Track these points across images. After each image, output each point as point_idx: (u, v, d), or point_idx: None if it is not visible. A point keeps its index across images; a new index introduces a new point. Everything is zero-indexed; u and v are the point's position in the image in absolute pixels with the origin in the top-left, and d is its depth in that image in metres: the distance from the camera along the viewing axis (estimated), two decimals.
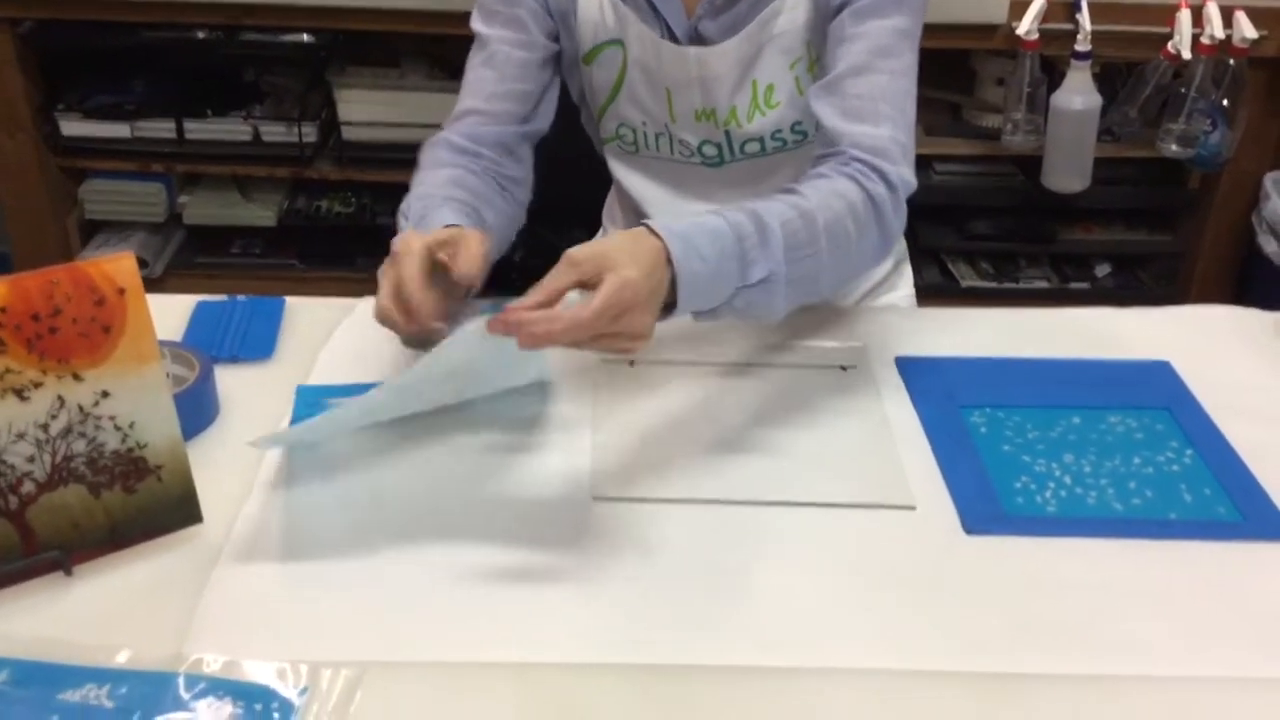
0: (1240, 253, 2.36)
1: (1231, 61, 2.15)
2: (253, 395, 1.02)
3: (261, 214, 2.41)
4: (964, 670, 0.80)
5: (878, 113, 1.05)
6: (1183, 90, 2.18)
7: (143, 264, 2.38)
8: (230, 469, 0.94)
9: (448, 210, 1.02)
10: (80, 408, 0.81)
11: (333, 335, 1.10)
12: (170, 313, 1.12)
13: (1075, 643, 0.82)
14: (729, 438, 1.01)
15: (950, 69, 2.32)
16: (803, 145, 1.19)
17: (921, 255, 2.47)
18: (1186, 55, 2.12)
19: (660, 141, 1.22)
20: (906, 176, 1.05)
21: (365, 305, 1.16)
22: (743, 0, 1.14)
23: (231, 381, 1.03)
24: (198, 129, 2.30)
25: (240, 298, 1.15)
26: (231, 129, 2.31)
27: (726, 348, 1.12)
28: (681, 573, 0.87)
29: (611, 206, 1.40)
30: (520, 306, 0.81)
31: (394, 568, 0.86)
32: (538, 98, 1.19)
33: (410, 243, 0.92)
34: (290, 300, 1.16)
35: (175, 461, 0.86)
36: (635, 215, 1.30)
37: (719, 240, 0.90)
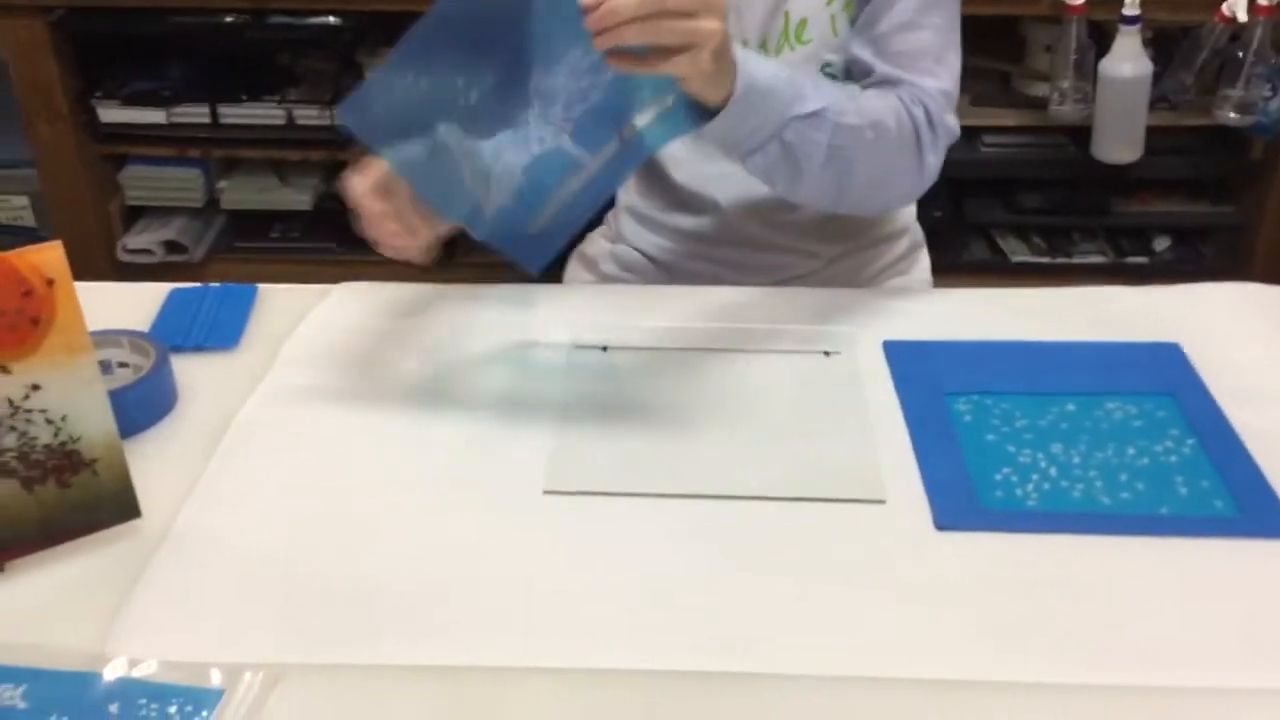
0: None
1: None
2: (213, 385, 1.01)
3: (298, 198, 2.42)
4: (925, 678, 0.75)
5: (922, 68, 1.08)
6: (1240, 54, 2.07)
7: (182, 249, 2.41)
8: (180, 462, 0.92)
9: None
10: (9, 401, 0.80)
11: (300, 324, 1.08)
12: (143, 301, 1.12)
13: (1046, 649, 0.77)
14: (698, 428, 0.97)
15: (999, 36, 2.23)
16: None
17: (969, 230, 2.40)
18: (1243, 17, 2.01)
19: None
20: (949, 123, 1.09)
21: (338, 292, 1.14)
22: None
23: (193, 371, 1.02)
24: (232, 114, 2.31)
25: (213, 285, 1.13)
26: (265, 113, 2.32)
27: (705, 333, 1.08)
28: (631, 572, 0.83)
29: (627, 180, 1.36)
30: None
31: (334, 565, 0.83)
32: None
33: (350, 184, 0.98)
34: (264, 287, 1.14)
35: (111, 455, 0.84)
36: (656, 179, 1.26)
37: (774, 65, 0.95)
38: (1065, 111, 2.17)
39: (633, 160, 0.97)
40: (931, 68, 1.09)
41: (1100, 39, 2.12)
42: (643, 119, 0.92)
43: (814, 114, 0.98)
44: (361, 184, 0.99)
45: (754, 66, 0.94)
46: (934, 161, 1.09)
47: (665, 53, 0.86)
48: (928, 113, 1.07)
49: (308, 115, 2.31)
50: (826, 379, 1.03)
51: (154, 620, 0.79)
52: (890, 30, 1.08)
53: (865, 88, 1.09)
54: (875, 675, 0.75)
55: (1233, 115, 2.12)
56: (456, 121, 0.88)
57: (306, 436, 0.96)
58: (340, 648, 0.77)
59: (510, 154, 0.93)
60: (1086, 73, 2.12)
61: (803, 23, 1.12)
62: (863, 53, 1.10)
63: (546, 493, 0.90)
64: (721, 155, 1.20)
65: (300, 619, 0.79)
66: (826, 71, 1.14)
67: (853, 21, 1.12)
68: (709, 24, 0.85)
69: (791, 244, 1.24)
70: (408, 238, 1.00)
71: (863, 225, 1.26)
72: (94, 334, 0.84)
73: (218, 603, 0.80)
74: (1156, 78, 2.09)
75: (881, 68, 1.09)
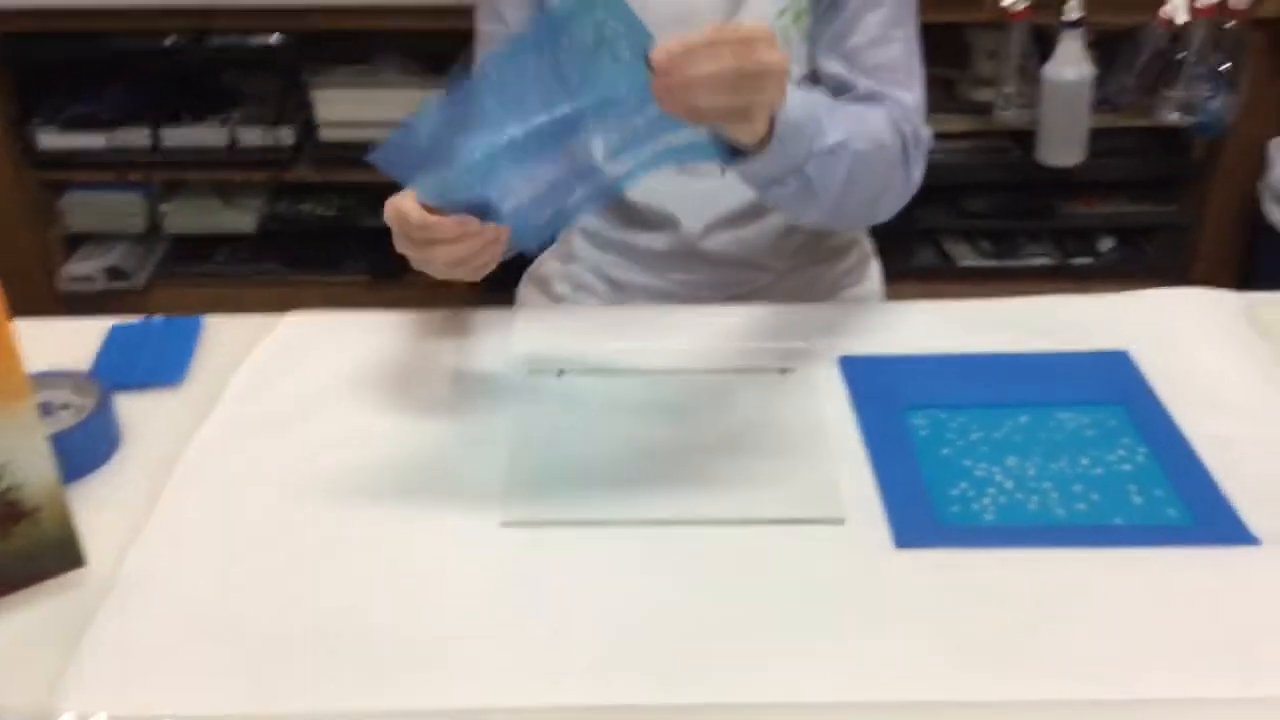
0: (1247, 222, 2.28)
1: (1231, 24, 2.06)
2: (158, 424, 0.99)
3: (243, 220, 2.38)
4: (890, 700, 0.75)
5: (898, 81, 1.11)
6: (1180, 56, 2.10)
7: (125, 275, 2.37)
8: (126, 506, 0.90)
9: None
10: None
11: (247, 357, 1.06)
12: (84, 338, 1.09)
13: (1007, 665, 0.77)
14: (655, 452, 0.96)
15: (944, 43, 2.23)
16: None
17: (917, 236, 2.41)
18: (1182, 19, 2.03)
19: None
20: (926, 134, 1.11)
21: (287, 322, 1.12)
22: None
23: (138, 410, 0.99)
24: (174, 136, 2.28)
25: (156, 318, 1.11)
26: (208, 135, 2.29)
27: (660, 354, 1.07)
28: (592, 604, 0.82)
29: None
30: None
31: (288, 609, 0.82)
32: None
33: (393, 206, 0.92)
34: (210, 319, 1.12)
35: (53, 502, 0.82)
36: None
37: (798, 96, 0.93)
38: (1009, 116, 2.18)
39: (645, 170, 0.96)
40: (905, 80, 1.11)
41: (1043, 43, 2.13)
42: (675, 139, 0.91)
43: (834, 146, 0.98)
44: (409, 199, 0.92)
45: (793, 99, 0.92)
46: (918, 175, 1.11)
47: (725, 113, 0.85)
48: (913, 127, 1.09)
49: (251, 136, 2.28)
50: (783, 397, 1.03)
51: (102, 673, 0.77)
52: (862, 45, 1.10)
53: (849, 103, 1.10)
54: (839, 700, 0.75)
55: (1174, 116, 2.14)
56: (493, 154, 0.86)
57: (256, 475, 0.94)
58: (296, 697, 0.75)
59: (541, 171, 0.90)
60: (1030, 77, 2.13)
61: None
62: (836, 68, 1.12)
63: (504, 525, 0.89)
64: (678, 171, 1.20)
65: (254, 667, 0.77)
66: None
67: (806, 35, 1.13)
68: (772, 93, 0.85)
69: (746, 259, 1.24)
70: (468, 243, 0.92)
71: (816, 238, 1.26)
72: (33, 375, 0.81)
73: (168, 652, 0.79)
74: (1099, 80, 2.11)
75: (863, 83, 1.10)
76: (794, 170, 0.96)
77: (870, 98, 1.10)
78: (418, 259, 0.94)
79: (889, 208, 1.12)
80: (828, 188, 1.00)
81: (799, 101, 0.94)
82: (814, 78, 1.16)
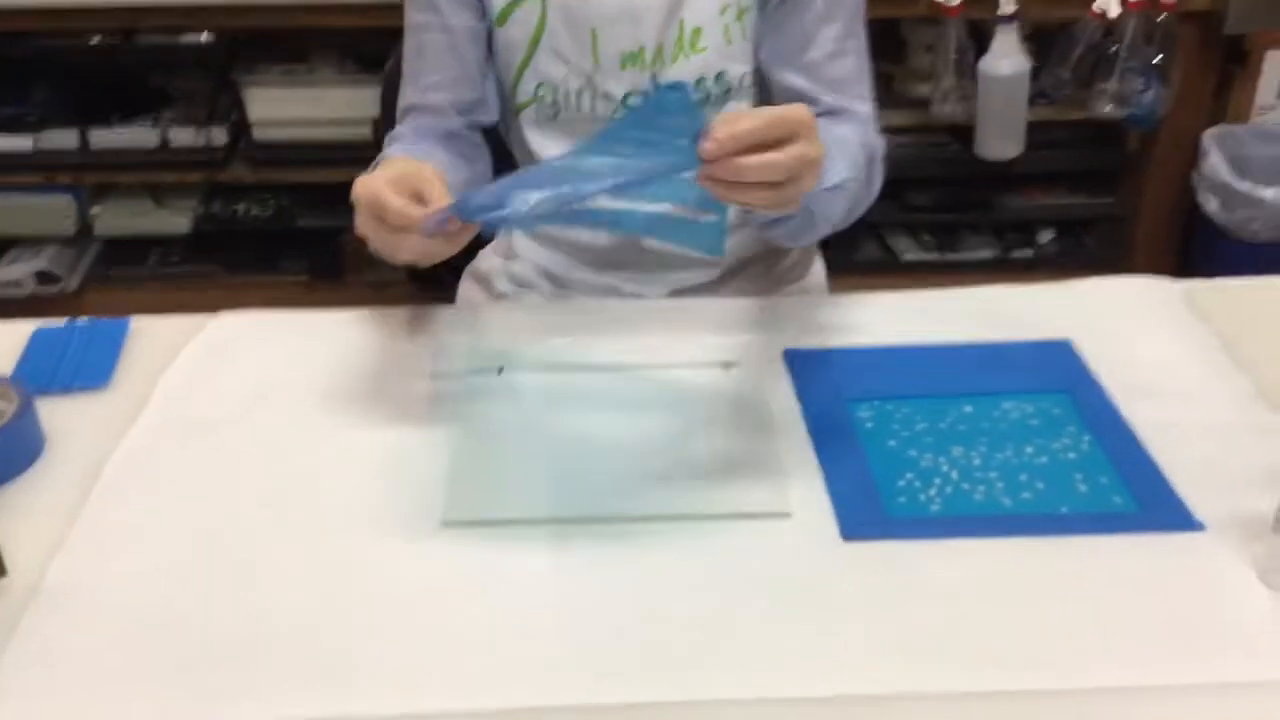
0: (1183, 212, 2.31)
1: (1162, 17, 2.09)
2: (83, 429, 0.95)
3: (176, 221, 2.34)
4: (840, 694, 0.74)
5: (855, 93, 1.13)
6: (1114, 49, 2.12)
7: (55, 279, 2.31)
8: (49, 514, 0.87)
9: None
10: None
11: (175, 358, 1.03)
12: (6, 342, 1.05)
13: (954, 657, 0.76)
14: (598, 449, 0.95)
15: (881, 38, 2.23)
16: (726, 102, 1.16)
17: (860, 230, 2.40)
18: (1114, 13, 2.06)
19: (583, 99, 1.15)
20: (880, 144, 1.13)
21: (215, 323, 1.09)
22: None
23: (61, 415, 0.96)
24: (103, 137, 2.23)
25: (80, 321, 1.07)
26: (138, 136, 2.24)
27: (600, 351, 1.06)
28: (536, 603, 0.80)
29: None
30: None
31: (221, 616, 0.79)
32: (473, 82, 1.16)
33: (370, 184, 0.88)
34: (136, 320, 1.08)
35: None
36: None
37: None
38: (947, 110, 2.19)
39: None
40: (862, 91, 1.14)
41: (979, 38, 2.15)
42: (683, 211, 0.92)
43: (837, 185, 1.00)
44: (384, 181, 0.90)
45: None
46: (879, 185, 1.13)
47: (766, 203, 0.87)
48: (873, 140, 1.11)
49: (183, 136, 2.23)
50: (727, 392, 1.01)
51: (25, 687, 0.74)
52: (820, 59, 1.12)
53: (817, 115, 1.09)
54: (788, 695, 0.74)
55: (1109, 109, 2.16)
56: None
57: (186, 479, 0.91)
58: (230, 706, 0.73)
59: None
60: (967, 71, 2.15)
61: (696, 31, 1.12)
62: (798, 82, 1.12)
63: (445, 524, 0.87)
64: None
65: (186, 677, 0.75)
66: (720, 80, 1.14)
67: (746, 33, 1.13)
68: (810, 181, 0.86)
69: (689, 255, 1.23)
70: (443, 237, 0.90)
71: (758, 236, 1.25)
72: None
73: (95, 664, 0.76)
74: (1035, 74, 2.13)
75: (825, 98, 1.11)
76: (799, 209, 0.95)
77: (832, 113, 1.11)
78: (383, 243, 0.90)
79: (858, 215, 1.14)
80: (829, 219, 1.04)
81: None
82: (757, 76, 1.15)
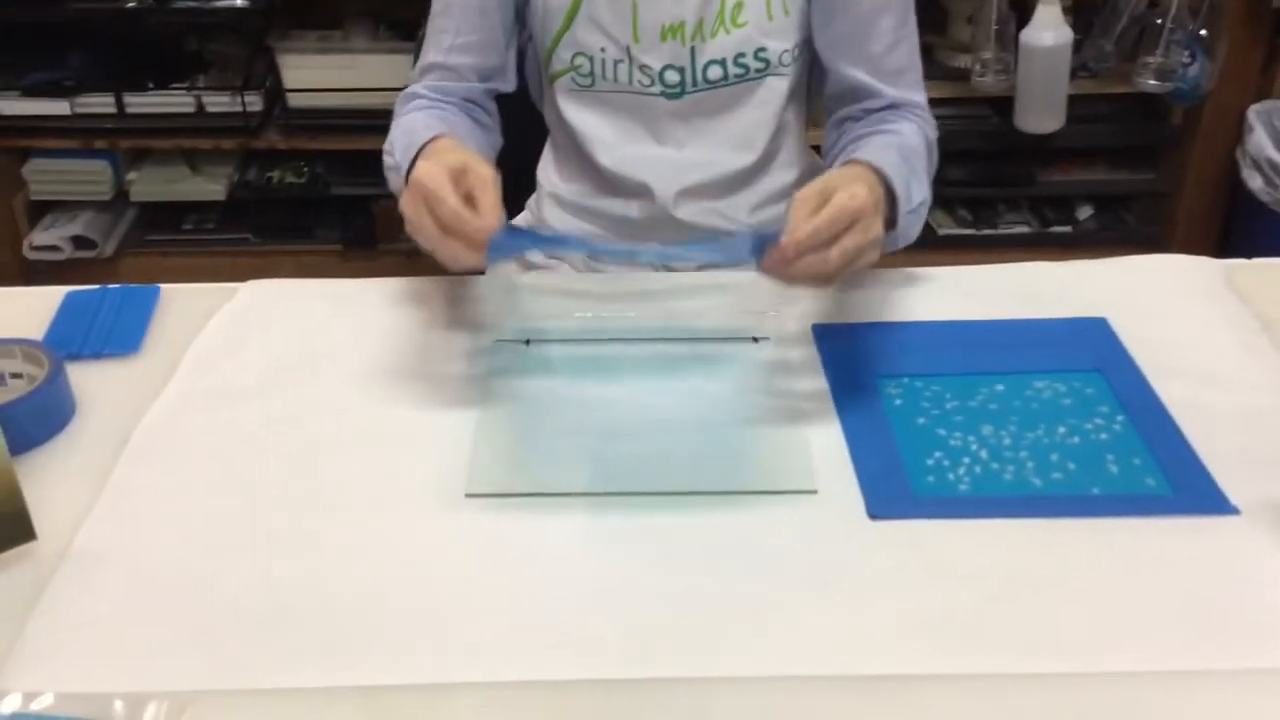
0: (1225, 189, 2.27)
1: None
2: (113, 394, 0.96)
3: (211, 188, 2.34)
4: (863, 674, 0.73)
5: (911, 82, 1.15)
6: (1159, 21, 2.08)
7: (92, 244, 2.33)
8: (79, 478, 0.88)
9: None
10: None
11: (205, 326, 1.03)
12: (38, 306, 1.06)
13: (981, 638, 0.75)
14: (624, 423, 0.94)
15: (921, 8, 2.20)
16: (764, 77, 1.15)
17: None
18: None
19: (620, 69, 1.15)
20: (934, 133, 1.14)
21: (245, 291, 1.09)
22: None
23: (92, 379, 0.97)
24: (139, 103, 2.24)
25: (112, 287, 1.08)
26: (174, 101, 2.25)
27: (628, 324, 1.05)
28: (559, 577, 0.80)
29: (548, 165, 1.32)
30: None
31: (244, 582, 0.79)
32: (499, 48, 1.15)
33: (435, 177, 0.89)
34: (167, 288, 1.09)
35: (2, 474, 0.79)
36: (581, 164, 1.23)
37: (898, 164, 0.99)
38: (987, 82, 2.16)
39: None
40: (917, 78, 1.15)
41: (1021, 9, 2.11)
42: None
43: (920, 204, 1.04)
44: (441, 174, 0.89)
45: (899, 184, 0.98)
46: (936, 168, 1.15)
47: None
48: (930, 130, 1.13)
49: (218, 102, 2.24)
50: (755, 366, 1.01)
51: (51, 649, 0.74)
52: (881, 51, 1.13)
53: (879, 110, 1.13)
54: (812, 673, 0.73)
55: (1152, 82, 2.12)
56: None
57: (213, 446, 0.91)
58: (252, 671, 0.73)
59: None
60: (1008, 43, 2.11)
61: (738, 6, 1.11)
62: (860, 75, 1.13)
63: (469, 496, 0.87)
64: (650, 139, 1.17)
65: (209, 641, 0.75)
66: (760, 56, 1.13)
67: (789, 9, 1.12)
68: (874, 256, 0.91)
69: (719, 228, 1.22)
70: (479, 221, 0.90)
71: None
72: None
73: (119, 628, 0.76)
74: (1077, 46, 2.09)
75: (888, 93, 1.13)
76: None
77: (894, 105, 1.13)
78: (426, 236, 0.90)
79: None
80: (910, 238, 1.06)
81: (900, 173, 0.99)
82: (806, 46, 1.15)
